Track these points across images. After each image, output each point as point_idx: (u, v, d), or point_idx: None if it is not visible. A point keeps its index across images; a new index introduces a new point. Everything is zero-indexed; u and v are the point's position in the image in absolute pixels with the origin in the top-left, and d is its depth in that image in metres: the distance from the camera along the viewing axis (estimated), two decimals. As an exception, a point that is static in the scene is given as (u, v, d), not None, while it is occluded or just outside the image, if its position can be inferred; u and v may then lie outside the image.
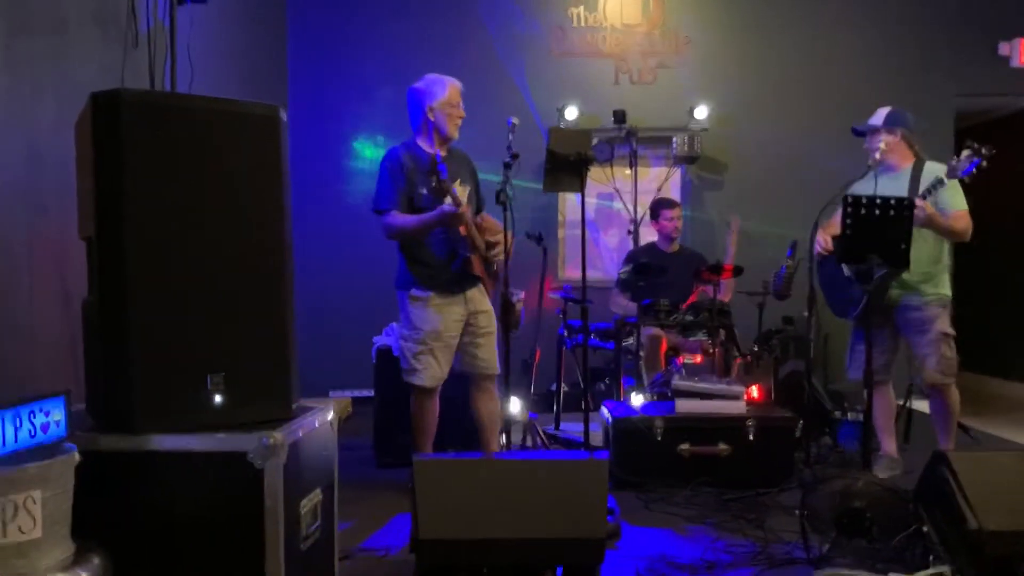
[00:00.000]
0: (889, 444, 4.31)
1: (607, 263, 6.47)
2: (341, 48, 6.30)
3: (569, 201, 6.39)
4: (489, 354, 3.84)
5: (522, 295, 4.32)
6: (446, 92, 3.70)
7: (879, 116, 4.18)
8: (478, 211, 3.90)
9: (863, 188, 4.10)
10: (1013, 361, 7.51)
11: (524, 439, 4.38)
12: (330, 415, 2.29)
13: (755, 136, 6.28)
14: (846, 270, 4.00)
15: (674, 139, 6.14)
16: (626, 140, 6.13)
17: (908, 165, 4.13)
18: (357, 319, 5.23)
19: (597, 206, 6.42)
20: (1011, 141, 7.33)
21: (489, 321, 3.84)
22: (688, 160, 6.23)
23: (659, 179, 6.30)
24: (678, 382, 4.24)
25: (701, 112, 6.12)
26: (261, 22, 5.80)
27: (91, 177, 1.96)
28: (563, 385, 5.41)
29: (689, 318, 4.75)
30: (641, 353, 4.99)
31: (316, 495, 2.18)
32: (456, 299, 3.75)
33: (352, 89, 6.23)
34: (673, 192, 6.27)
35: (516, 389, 4.60)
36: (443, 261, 3.70)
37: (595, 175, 6.29)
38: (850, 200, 3.33)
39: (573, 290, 5.02)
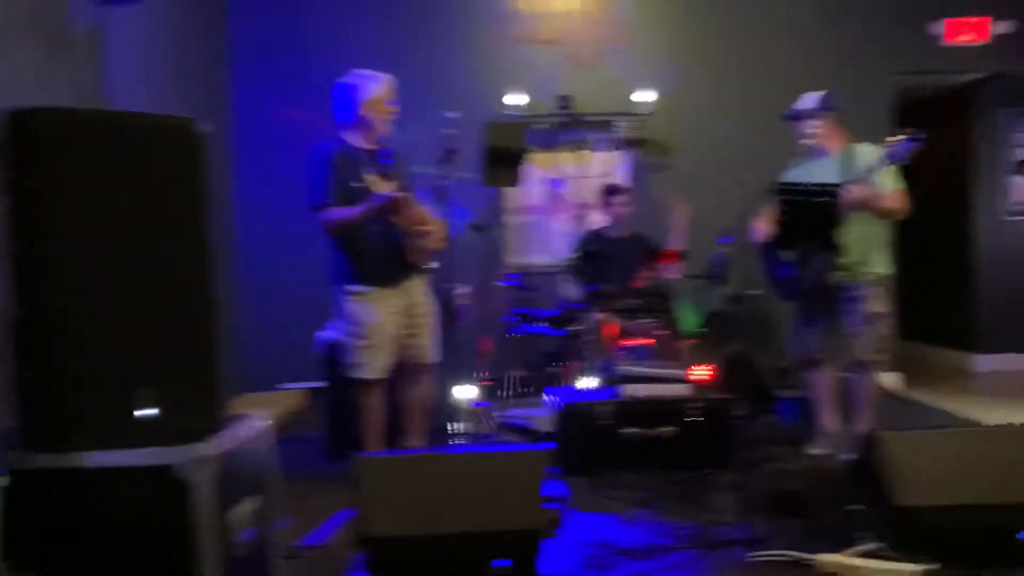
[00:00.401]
0: (830, 421, 4.42)
1: (557, 248, 6.49)
2: (285, 47, 6.23)
3: (517, 187, 6.40)
4: (425, 343, 3.88)
5: (464, 289, 4.36)
6: (379, 88, 3.71)
7: (808, 101, 4.22)
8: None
9: (798, 174, 4.18)
10: (947, 330, 7.72)
11: (474, 427, 4.42)
12: (267, 420, 2.30)
13: (699, 119, 6.33)
14: (787, 254, 4.07)
15: (619, 124, 6.18)
16: (572, 125, 6.16)
17: (839, 148, 4.19)
18: (312, 310, 5.20)
19: (546, 191, 6.44)
20: (947, 117, 7.51)
21: (427, 311, 3.87)
22: (634, 144, 6.27)
23: (606, 163, 6.33)
24: (622, 366, 4.30)
25: (645, 96, 6.15)
26: (200, 26, 5.71)
27: (8, 195, 1.94)
28: (518, 371, 5.46)
29: (635, 302, 4.80)
30: (590, 337, 5.05)
31: (251, 503, 2.20)
32: (394, 291, 3.77)
33: (298, 86, 6.17)
34: (621, 176, 6.31)
35: (467, 377, 4.69)
36: (380, 253, 3.71)
37: (543, 160, 6.34)
38: (780, 188, 3.39)
39: (521, 278, 5.05)
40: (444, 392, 4.63)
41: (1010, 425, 3.43)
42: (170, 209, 2.07)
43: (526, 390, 5.26)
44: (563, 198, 6.38)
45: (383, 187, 3.48)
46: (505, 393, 5.30)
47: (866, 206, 3.97)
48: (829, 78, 5.59)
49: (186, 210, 2.12)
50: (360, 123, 3.71)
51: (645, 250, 5.20)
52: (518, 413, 5.00)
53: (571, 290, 5.21)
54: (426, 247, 3.76)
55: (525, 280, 5.17)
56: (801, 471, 3.10)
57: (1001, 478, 2.86)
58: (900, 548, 2.80)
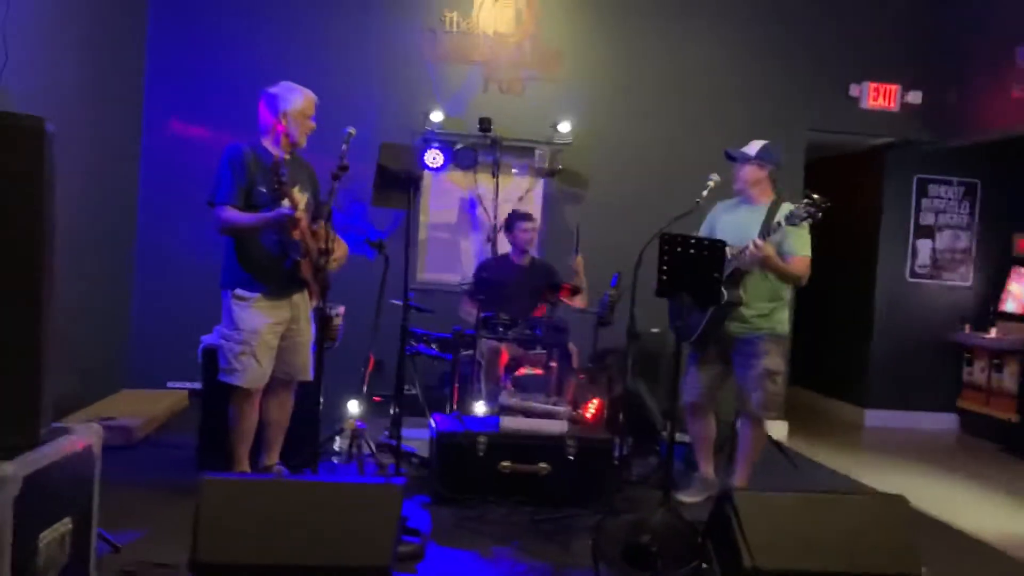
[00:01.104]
0: (705, 467, 4.46)
1: (468, 268, 6.46)
2: (205, 48, 6.09)
3: (434, 204, 6.36)
4: (301, 361, 3.88)
5: (341, 309, 4.28)
6: (301, 102, 3.76)
7: (753, 147, 4.25)
8: (315, 219, 3.86)
9: (724, 213, 4.23)
10: (840, 383, 7.93)
11: (351, 448, 4.34)
12: (89, 438, 2.19)
13: (617, 153, 6.38)
14: (686, 298, 4.08)
15: (537, 151, 6.19)
16: (490, 148, 6.14)
17: (767, 201, 4.21)
18: (200, 310, 5.06)
19: (460, 212, 6.41)
20: (857, 175, 7.74)
21: (306, 330, 3.88)
22: (550, 173, 6.28)
23: (521, 189, 6.33)
24: (504, 399, 4.28)
25: (565, 127, 6.17)
26: (115, 22, 5.55)
27: None
28: (409, 392, 5.38)
29: (527, 332, 4.78)
30: (482, 362, 5.02)
31: (64, 524, 2.09)
32: (281, 303, 3.77)
33: (215, 90, 6.02)
34: (535, 203, 6.32)
35: (353, 395, 4.60)
36: (273, 262, 3.69)
37: (459, 180, 6.31)
38: (666, 238, 3.41)
39: (414, 297, 4.98)
40: (326, 409, 4.55)
41: (863, 495, 3.50)
42: (9, 211, 1.95)
43: (415, 411, 5.19)
44: (475, 219, 6.36)
45: (288, 200, 3.45)
46: (393, 413, 5.21)
47: (766, 265, 4.00)
48: (745, 126, 5.73)
49: (27, 212, 2.01)
50: (278, 132, 3.73)
51: (546, 281, 5.19)
52: (403, 435, 4.93)
53: (471, 312, 5.18)
54: (322, 267, 3.72)
55: (423, 300, 5.11)
56: (655, 526, 3.09)
57: (851, 546, 2.90)
58: (744, 609, 2.81)
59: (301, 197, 3.70)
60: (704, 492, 4.33)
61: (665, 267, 3.42)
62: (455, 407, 4.78)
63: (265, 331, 3.69)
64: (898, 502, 3.03)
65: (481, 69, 6.32)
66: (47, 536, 2.02)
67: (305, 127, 3.77)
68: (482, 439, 4.04)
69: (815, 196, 3.82)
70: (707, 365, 4.31)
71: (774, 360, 4.19)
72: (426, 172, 6.12)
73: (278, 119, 3.70)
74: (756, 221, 4.12)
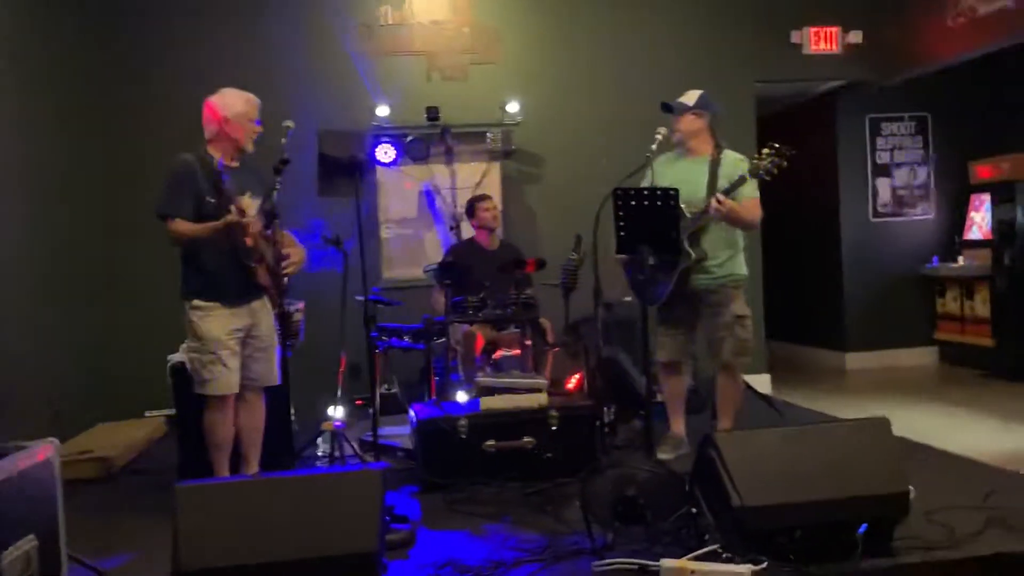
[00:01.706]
0: (676, 425, 4.45)
1: (435, 260, 6.41)
2: (140, 49, 5.99)
3: (392, 199, 6.30)
4: (265, 368, 3.84)
5: (300, 305, 4.24)
6: (244, 106, 3.74)
7: (690, 97, 4.25)
8: (269, 224, 3.83)
9: (664, 167, 4.20)
10: (818, 330, 7.97)
11: (332, 450, 4.28)
12: (46, 451, 2.14)
13: (568, 128, 6.36)
14: (649, 258, 4.07)
15: (488, 134, 6.15)
16: (441, 137, 6.11)
17: (708, 152, 4.22)
18: (171, 335, 4.99)
19: (419, 206, 6.35)
20: (810, 123, 7.78)
21: (269, 335, 3.84)
22: (504, 154, 6.25)
23: (478, 174, 6.29)
24: (480, 378, 4.25)
25: (514, 107, 6.13)
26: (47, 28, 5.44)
27: None
28: (387, 388, 5.34)
29: (498, 311, 4.74)
30: (458, 349, 4.98)
31: (27, 542, 2.03)
32: (240, 310, 3.73)
33: (153, 94, 5.92)
34: (492, 187, 6.27)
35: (329, 399, 4.55)
36: (227, 270, 3.66)
37: (413, 173, 6.26)
38: (619, 193, 3.39)
39: (381, 292, 4.94)
40: (303, 415, 4.51)
41: (840, 421, 3.49)
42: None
43: (397, 409, 5.15)
44: (436, 211, 6.31)
45: (235, 207, 3.42)
46: (374, 411, 5.16)
47: (730, 217, 4.03)
48: (691, 84, 5.71)
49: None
50: (224, 138, 3.70)
51: (513, 259, 5.16)
52: (385, 431, 4.89)
53: (437, 302, 5.14)
54: (279, 272, 3.69)
55: (390, 294, 5.06)
56: (639, 478, 3.07)
57: (835, 473, 2.89)
58: (737, 549, 2.79)
59: (251, 203, 3.68)
60: (676, 450, 4.33)
61: (622, 223, 3.41)
62: (434, 395, 4.72)
63: (227, 338, 3.67)
64: (880, 424, 3.03)
65: (422, 59, 6.27)
66: (9, 555, 1.96)
67: (249, 130, 3.75)
68: (463, 422, 4.01)
69: (777, 145, 3.84)
70: (675, 323, 4.31)
71: (740, 305, 4.24)
72: (379, 168, 6.08)
73: (222, 125, 3.69)
74: (700, 172, 4.13)
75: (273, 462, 4.04)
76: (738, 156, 4.15)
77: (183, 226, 3.58)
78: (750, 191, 4.10)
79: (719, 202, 3.91)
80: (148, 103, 5.91)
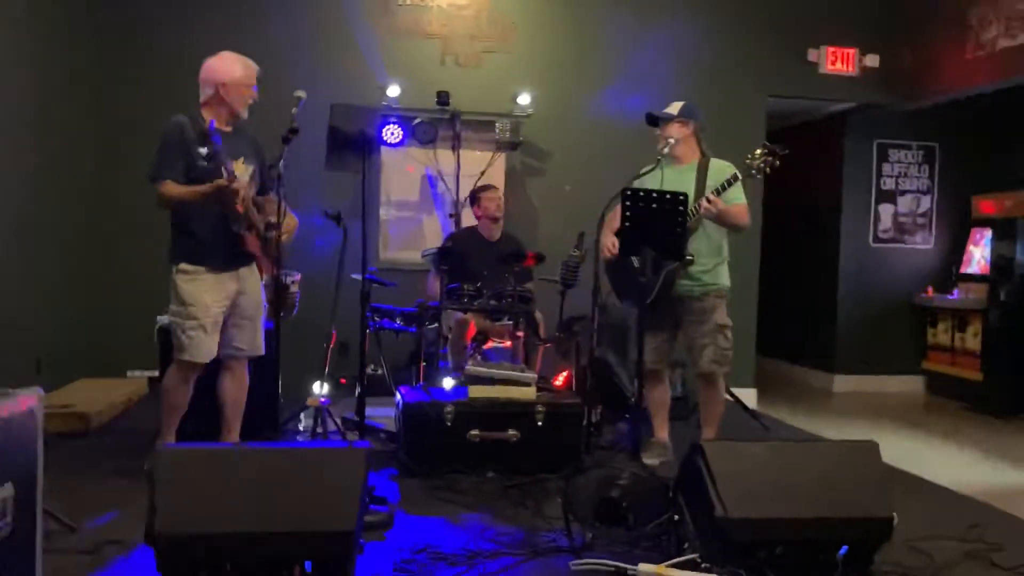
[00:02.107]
0: (660, 432, 4.44)
1: (432, 245, 6.37)
2: (152, 21, 5.93)
3: (393, 181, 6.25)
4: (249, 338, 3.80)
5: (297, 277, 4.20)
6: (242, 72, 3.69)
7: (674, 107, 4.25)
8: (262, 191, 3.80)
9: (651, 180, 4.18)
10: (808, 350, 7.96)
11: (315, 426, 4.25)
12: (31, 400, 2.09)
13: (577, 124, 6.33)
14: (635, 261, 4.06)
15: (497, 124, 6.10)
16: (450, 122, 6.06)
17: (694, 160, 4.22)
18: (159, 297, 4.95)
19: (422, 188, 6.31)
20: (818, 142, 7.76)
21: (255, 305, 3.80)
22: (511, 146, 6.21)
23: (483, 163, 6.24)
24: (470, 367, 4.22)
25: (525, 99, 6.09)
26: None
27: None
28: (375, 368, 5.31)
29: (493, 302, 4.71)
30: (449, 336, 4.95)
31: (4, 491, 1.99)
32: (227, 276, 3.69)
33: (161, 63, 5.85)
34: (496, 177, 6.22)
35: (316, 375, 4.51)
36: (216, 236, 3.62)
37: (418, 156, 6.21)
38: (628, 193, 3.36)
39: (376, 272, 4.90)
40: (289, 390, 4.46)
41: (833, 442, 3.47)
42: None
43: (382, 387, 5.11)
44: (437, 196, 6.27)
45: (230, 172, 3.40)
46: (359, 390, 5.13)
47: (721, 218, 4.03)
48: (705, 93, 5.70)
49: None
50: (218, 102, 3.66)
51: (513, 252, 5.12)
52: (370, 412, 4.85)
53: (431, 288, 5.10)
54: (270, 240, 3.65)
55: (385, 275, 5.02)
56: (624, 481, 3.04)
57: (822, 492, 2.87)
58: (716, 559, 2.77)
59: (244, 168, 3.65)
60: (660, 456, 4.31)
61: (628, 223, 3.38)
62: (423, 380, 4.69)
63: (212, 304, 3.63)
64: (869, 448, 3.01)
65: (437, 42, 6.22)
66: (-13, 503, 1.92)
67: (246, 97, 3.70)
68: (449, 408, 3.98)
69: (769, 145, 3.84)
70: (657, 329, 4.29)
71: (723, 315, 4.25)
72: (384, 149, 6.03)
73: (218, 89, 3.64)
74: (688, 179, 4.12)
75: (256, 433, 4.00)
76: (725, 163, 4.15)
77: (173, 188, 3.53)
78: (738, 196, 4.10)
79: (709, 201, 3.91)
80: (154, 66, 5.86)
